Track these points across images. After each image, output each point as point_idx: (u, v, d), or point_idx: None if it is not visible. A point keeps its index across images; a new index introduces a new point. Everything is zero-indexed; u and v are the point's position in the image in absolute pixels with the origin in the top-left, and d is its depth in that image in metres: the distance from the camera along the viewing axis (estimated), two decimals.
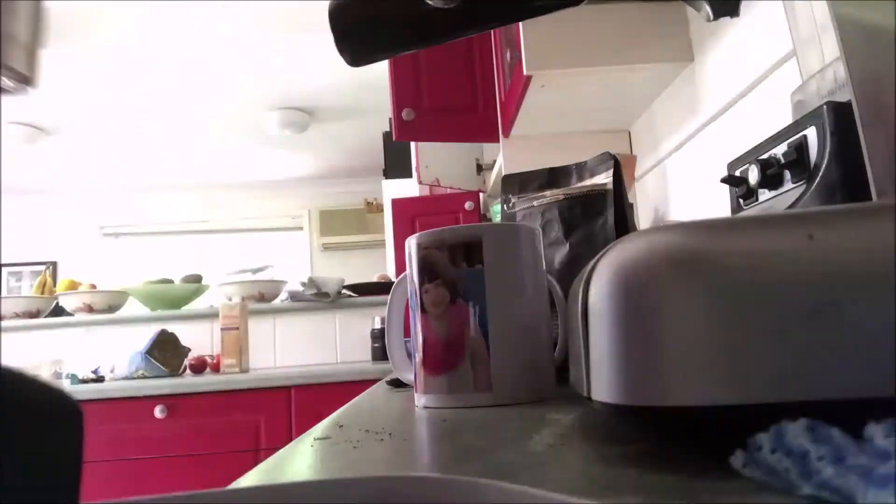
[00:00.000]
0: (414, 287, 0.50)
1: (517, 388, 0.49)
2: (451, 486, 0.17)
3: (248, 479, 0.29)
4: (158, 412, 2.08)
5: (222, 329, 2.32)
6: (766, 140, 0.64)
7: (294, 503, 0.17)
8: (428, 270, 0.49)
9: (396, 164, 2.76)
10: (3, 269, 3.83)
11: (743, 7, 0.49)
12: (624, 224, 0.65)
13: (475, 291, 0.48)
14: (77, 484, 0.15)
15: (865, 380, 0.21)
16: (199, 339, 2.50)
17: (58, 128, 3.56)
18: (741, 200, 0.67)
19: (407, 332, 0.55)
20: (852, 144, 0.35)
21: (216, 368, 2.38)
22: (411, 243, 0.51)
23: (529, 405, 0.46)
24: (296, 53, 2.95)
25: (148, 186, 4.36)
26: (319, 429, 0.42)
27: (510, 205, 0.74)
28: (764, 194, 0.63)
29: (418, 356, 0.50)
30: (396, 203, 2.10)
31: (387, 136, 2.86)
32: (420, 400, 0.50)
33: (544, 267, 0.53)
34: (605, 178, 0.66)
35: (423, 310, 0.49)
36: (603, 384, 0.25)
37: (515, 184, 0.75)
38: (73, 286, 2.65)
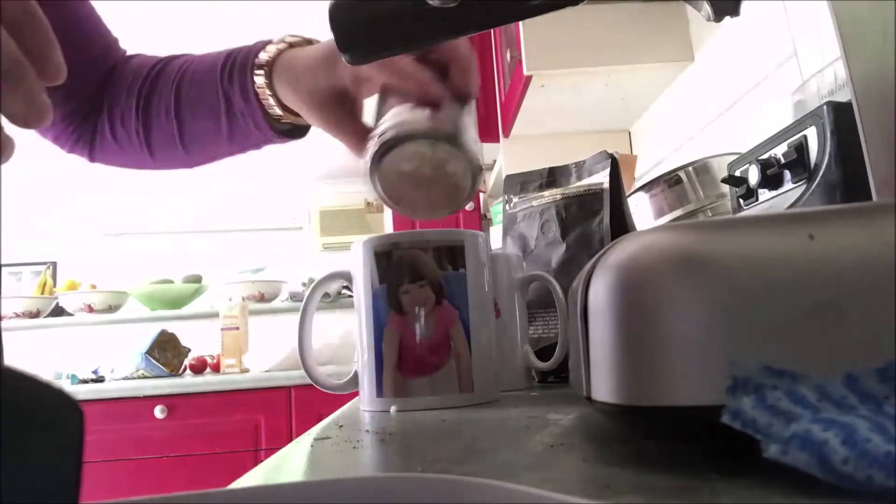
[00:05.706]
0: (375, 289, 0.50)
1: (495, 385, 0.51)
2: (450, 486, 0.17)
3: (248, 479, 0.29)
4: (158, 412, 2.08)
5: (222, 329, 2.32)
6: (766, 140, 0.64)
7: (294, 503, 0.17)
8: (411, 271, 0.49)
9: None
10: (3, 269, 3.82)
11: (743, 7, 0.49)
12: (621, 223, 0.65)
13: (459, 294, 0.50)
14: (77, 483, 0.15)
15: None
16: (199, 339, 2.50)
17: None
18: (741, 200, 0.67)
19: None
20: (852, 144, 0.35)
21: (216, 368, 2.38)
22: (374, 244, 0.50)
23: (529, 405, 0.46)
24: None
25: (148, 187, 4.36)
26: (319, 429, 0.42)
27: (511, 205, 0.74)
28: (764, 194, 0.63)
29: (390, 359, 0.49)
30: None
31: None
32: (392, 404, 0.48)
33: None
34: (601, 178, 0.66)
35: (399, 311, 0.49)
36: (603, 384, 0.25)
37: (517, 184, 0.75)
38: (75, 287, 2.66)
